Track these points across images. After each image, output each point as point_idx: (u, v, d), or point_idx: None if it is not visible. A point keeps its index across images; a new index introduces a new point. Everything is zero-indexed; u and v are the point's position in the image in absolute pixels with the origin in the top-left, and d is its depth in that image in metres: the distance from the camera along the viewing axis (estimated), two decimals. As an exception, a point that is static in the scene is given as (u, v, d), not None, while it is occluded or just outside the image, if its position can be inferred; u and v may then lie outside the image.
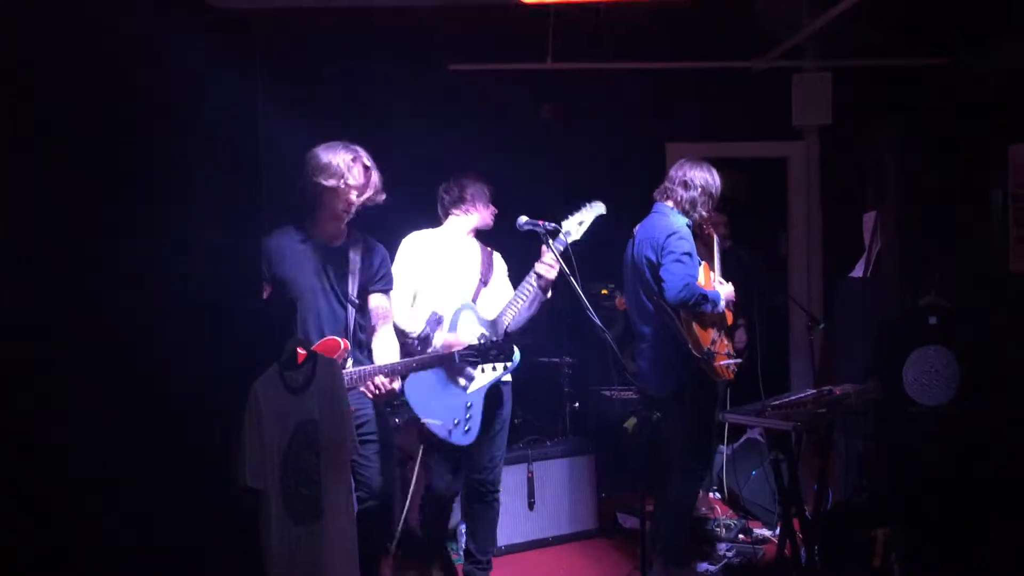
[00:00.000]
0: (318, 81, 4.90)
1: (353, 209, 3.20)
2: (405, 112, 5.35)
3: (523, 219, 3.47)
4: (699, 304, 3.68)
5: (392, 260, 3.47)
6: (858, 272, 4.60)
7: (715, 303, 3.76)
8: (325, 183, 3.11)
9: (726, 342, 3.93)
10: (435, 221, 3.81)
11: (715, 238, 4.23)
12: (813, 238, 6.01)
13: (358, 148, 3.19)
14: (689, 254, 3.73)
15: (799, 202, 6.04)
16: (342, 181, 3.11)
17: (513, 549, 4.39)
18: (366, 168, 3.17)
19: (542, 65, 5.34)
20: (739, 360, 3.91)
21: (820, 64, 5.67)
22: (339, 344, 3.07)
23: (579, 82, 5.69)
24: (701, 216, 3.89)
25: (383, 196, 3.24)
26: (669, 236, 3.75)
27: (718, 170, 3.97)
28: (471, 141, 5.26)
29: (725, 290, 3.90)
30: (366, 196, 3.18)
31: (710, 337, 3.78)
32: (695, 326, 3.73)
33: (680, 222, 3.84)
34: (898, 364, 3.61)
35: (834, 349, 4.84)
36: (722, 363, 3.79)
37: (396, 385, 3.16)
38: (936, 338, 3.56)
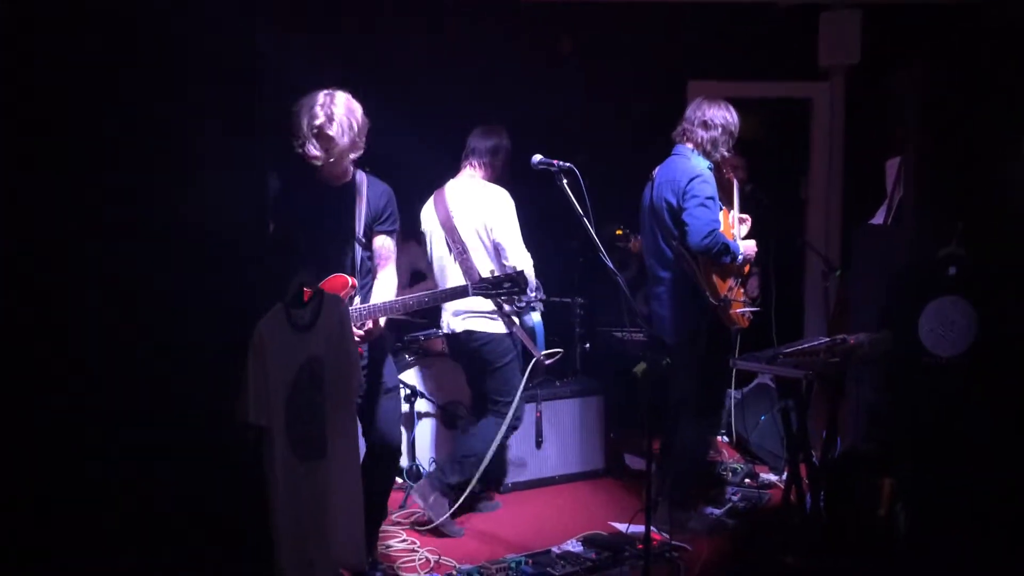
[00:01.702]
0: (328, 10, 4.78)
1: (339, 169, 3.10)
2: (419, 46, 5.22)
3: (537, 157, 3.42)
4: (721, 254, 3.63)
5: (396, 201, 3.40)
6: (878, 220, 4.51)
7: (735, 255, 3.71)
8: (295, 145, 3.01)
9: (742, 290, 3.89)
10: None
11: (735, 182, 4.14)
12: (834, 183, 5.89)
13: (333, 110, 2.98)
14: (712, 198, 3.67)
15: (821, 145, 5.91)
16: (303, 149, 2.99)
17: (520, 487, 4.44)
18: (329, 138, 2.98)
19: (563, -2, 5.20)
20: (755, 308, 3.87)
21: (849, 1, 5.48)
22: (346, 281, 3.05)
23: (599, 17, 5.53)
24: (722, 157, 3.81)
25: (357, 154, 3.11)
26: (692, 179, 3.67)
27: (737, 110, 3.87)
28: (486, 77, 5.14)
29: (745, 245, 3.85)
30: (339, 155, 3.04)
31: (728, 285, 3.75)
32: (713, 274, 3.69)
33: (702, 164, 3.76)
34: (914, 314, 3.55)
35: (850, 297, 4.77)
36: (738, 311, 3.76)
37: (379, 325, 3.10)
38: (954, 288, 3.50)
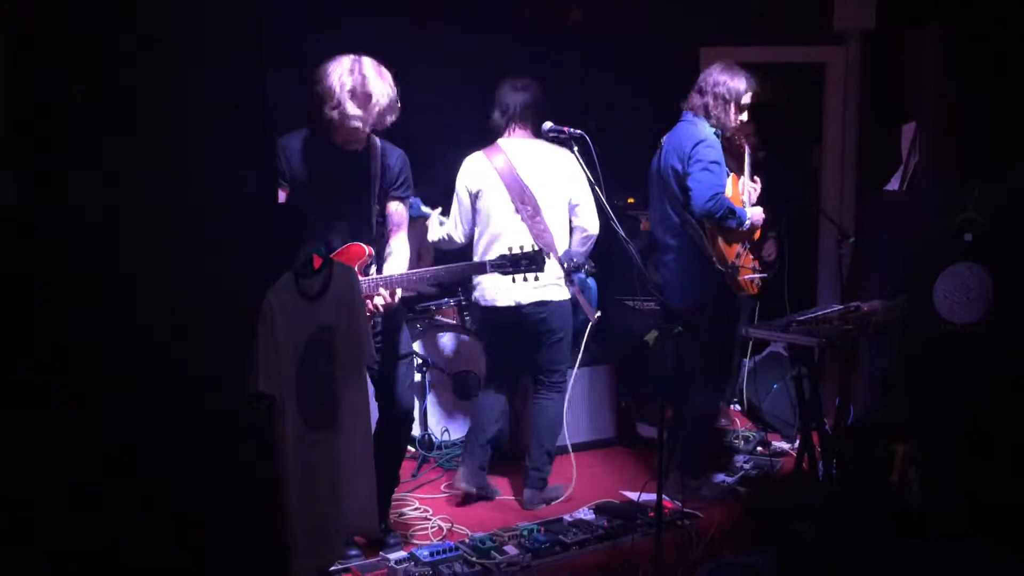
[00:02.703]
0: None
1: (359, 135, 3.03)
2: (426, 14, 5.16)
3: (548, 125, 3.41)
4: (726, 218, 3.62)
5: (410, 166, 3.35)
6: (893, 186, 4.46)
7: (741, 220, 3.69)
8: (326, 112, 2.93)
9: (752, 257, 3.86)
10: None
11: (746, 148, 4.10)
12: (848, 149, 5.82)
13: (365, 72, 2.91)
14: (717, 162, 3.65)
15: (835, 111, 5.83)
16: (336, 112, 2.91)
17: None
18: (366, 97, 2.91)
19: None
20: (764, 275, 3.85)
21: (866, -36, 5.39)
22: (364, 250, 3.04)
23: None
24: (720, 122, 3.78)
25: (394, 116, 3.02)
26: (697, 144, 3.66)
27: (751, 76, 3.82)
28: (495, 44, 5.08)
29: (753, 211, 3.82)
30: (373, 121, 2.97)
31: (735, 251, 3.72)
32: (720, 240, 3.67)
33: (708, 130, 3.74)
34: (929, 280, 3.52)
35: (864, 264, 4.74)
36: (747, 277, 3.74)
37: (396, 298, 3.04)
38: (970, 255, 3.46)
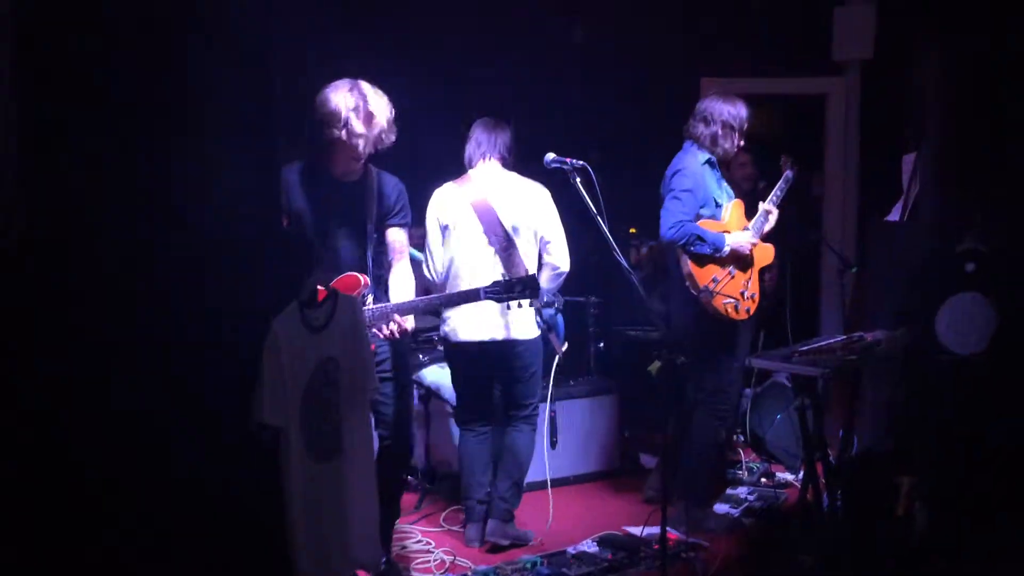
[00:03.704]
0: (341, 6, 4.78)
1: (363, 156, 3.10)
2: (429, 36, 5.20)
3: (550, 156, 3.42)
4: (692, 244, 3.68)
5: (407, 194, 3.36)
6: (895, 216, 4.47)
7: (716, 247, 3.70)
8: (329, 133, 3.01)
9: (746, 282, 3.85)
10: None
11: (787, 173, 4.13)
12: (849, 179, 5.84)
13: (365, 92, 3.03)
14: (689, 191, 3.73)
15: (836, 141, 5.86)
16: (344, 132, 3.00)
17: (534, 487, 4.42)
18: (369, 117, 3.02)
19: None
20: (740, 299, 3.82)
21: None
22: (359, 280, 3.05)
23: (613, 13, 5.50)
24: (724, 151, 3.82)
25: (394, 136, 3.12)
26: (674, 174, 3.78)
27: (751, 106, 3.86)
28: (497, 72, 5.13)
29: (737, 237, 3.81)
30: (374, 140, 3.06)
31: (710, 275, 3.75)
32: (689, 263, 3.72)
33: (697, 159, 3.82)
34: (932, 310, 3.51)
35: (866, 294, 4.74)
36: (724, 302, 3.74)
37: (409, 325, 3.09)
38: (973, 285, 3.46)
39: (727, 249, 3.75)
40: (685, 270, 3.73)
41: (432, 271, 3.76)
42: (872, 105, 5.72)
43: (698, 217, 3.78)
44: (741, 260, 3.84)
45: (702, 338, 3.80)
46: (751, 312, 3.88)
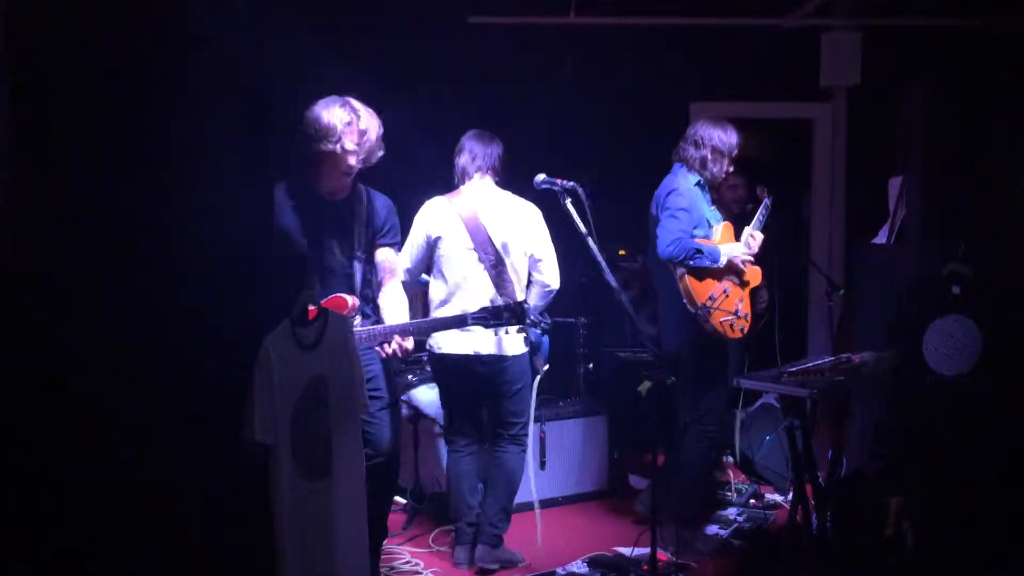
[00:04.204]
0: (332, 29, 4.81)
1: (354, 170, 3.12)
2: (422, 65, 5.25)
3: (540, 177, 3.44)
4: (692, 258, 3.71)
5: (396, 213, 3.37)
6: (881, 239, 4.51)
7: (713, 257, 3.75)
8: (322, 148, 3.02)
9: (739, 300, 3.87)
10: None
11: (765, 200, 4.17)
12: (837, 203, 5.90)
13: (356, 108, 3.06)
14: (685, 210, 3.77)
15: (824, 165, 5.93)
16: (338, 146, 3.01)
17: (523, 508, 4.41)
18: (362, 132, 3.05)
19: (565, 19, 5.23)
20: (735, 317, 3.84)
21: (850, 23, 5.52)
22: (347, 302, 3.05)
23: (602, 38, 5.57)
24: (713, 174, 3.89)
25: (381, 152, 3.15)
26: (669, 194, 3.82)
27: (740, 131, 3.91)
28: (489, 97, 5.17)
29: (729, 248, 3.85)
30: (364, 156, 3.09)
31: (707, 292, 3.77)
32: (689, 279, 3.75)
33: (688, 181, 3.87)
34: (919, 333, 3.55)
35: (854, 316, 4.77)
36: (720, 319, 3.76)
37: (410, 344, 3.10)
38: (958, 307, 3.50)
39: (723, 259, 3.79)
40: (683, 287, 3.75)
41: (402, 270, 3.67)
42: (859, 130, 5.79)
43: (692, 237, 3.81)
44: (736, 277, 3.88)
45: (694, 358, 3.81)
46: (744, 332, 3.91)
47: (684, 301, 3.76)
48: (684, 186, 3.85)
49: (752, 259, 3.95)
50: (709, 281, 3.79)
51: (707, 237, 3.90)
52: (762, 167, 5.47)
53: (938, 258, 3.63)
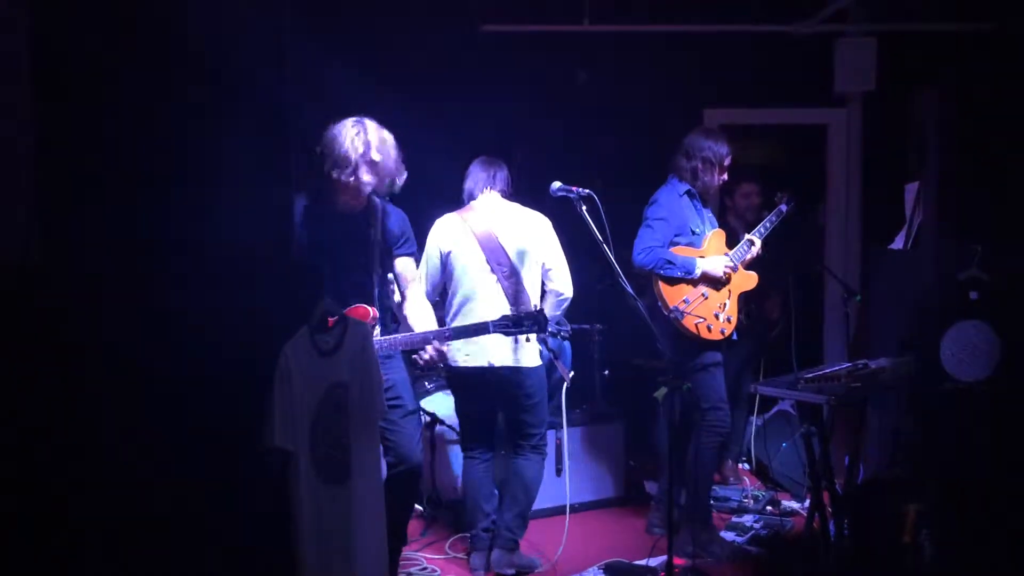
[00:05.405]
0: (347, 41, 4.84)
1: (367, 192, 3.15)
2: (436, 73, 5.27)
3: (556, 185, 3.47)
4: (661, 268, 3.82)
5: (411, 224, 3.39)
6: (898, 244, 4.50)
7: (686, 269, 3.84)
8: (336, 176, 3.06)
9: (721, 304, 3.89)
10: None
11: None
12: (852, 208, 5.88)
13: (370, 139, 3.05)
14: (662, 219, 3.88)
15: (839, 171, 5.91)
16: (352, 178, 3.06)
17: (539, 514, 4.41)
18: (375, 163, 3.06)
19: (579, 27, 5.25)
20: (705, 320, 3.85)
21: (864, 29, 5.51)
22: (368, 312, 3.08)
23: (616, 45, 5.58)
24: (705, 184, 3.99)
25: (404, 175, 3.17)
26: (650, 205, 3.96)
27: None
28: (503, 105, 5.19)
29: (710, 262, 3.91)
30: (383, 179, 3.12)
31: (680, 295, 3.85)
32: (661, 284, 3.87)
33: (676, 191, 3.97)
34: (936, 338, 3.53)
35: (870, 322, 4.76)
36: (695, 321, 3.80)
37: (447, 349, 3.17)
38: (976, 313, 3.49)
39: (699, 272, 3.86)
40: (656, 291, 3.86)
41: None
42: (874, 135, 5.77)
43: (672, 244, 3.90)
44: (714, 283, 3.91)
45: (681, 357, 3.82)
46: (726, 333, 3.93)
47: (659, 304, 3.84)
48: (665, 197, 3.96)
49: (734, 269, 3.97)
50: (682, 286, 3.88)
51: (692, 245, 3.93)
52: (777, 173, 5.47)
53: (955, 263, 3.62)
